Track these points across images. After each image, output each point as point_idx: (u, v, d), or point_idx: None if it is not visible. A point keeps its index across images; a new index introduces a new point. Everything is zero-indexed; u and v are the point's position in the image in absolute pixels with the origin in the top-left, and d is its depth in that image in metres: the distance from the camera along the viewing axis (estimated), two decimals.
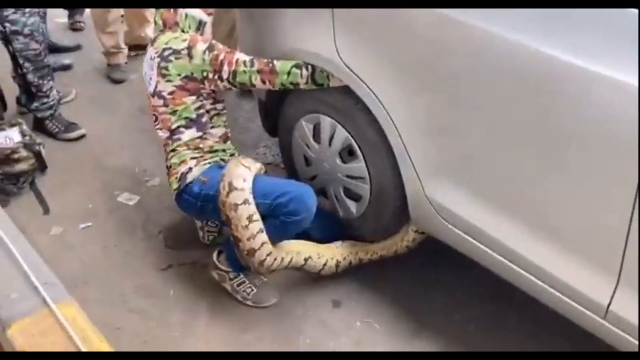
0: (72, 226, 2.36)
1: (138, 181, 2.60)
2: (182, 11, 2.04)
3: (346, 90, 1.92)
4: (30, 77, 2.73)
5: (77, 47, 3.64)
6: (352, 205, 2.10)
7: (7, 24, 2.59)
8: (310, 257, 2.00)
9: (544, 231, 1.58)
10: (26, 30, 2.63)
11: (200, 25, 2.07)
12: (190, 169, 2.02)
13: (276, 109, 2.28)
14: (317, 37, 1.94)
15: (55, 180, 2.60)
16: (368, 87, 1.84)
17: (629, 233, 1.39)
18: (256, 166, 1.99)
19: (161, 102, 2.02)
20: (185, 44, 1.97)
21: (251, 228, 1.86)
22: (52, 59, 3.24)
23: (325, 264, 2.03)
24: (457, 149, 1.73)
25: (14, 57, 2.71)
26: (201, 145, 2.05)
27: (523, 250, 1.64)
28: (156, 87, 2.01)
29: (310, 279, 2.11)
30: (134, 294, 2.09)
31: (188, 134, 2.04)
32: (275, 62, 1.97)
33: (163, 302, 2.06)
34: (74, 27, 3.89)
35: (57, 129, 2.86)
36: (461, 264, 1.91)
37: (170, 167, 2.08)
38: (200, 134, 2.05)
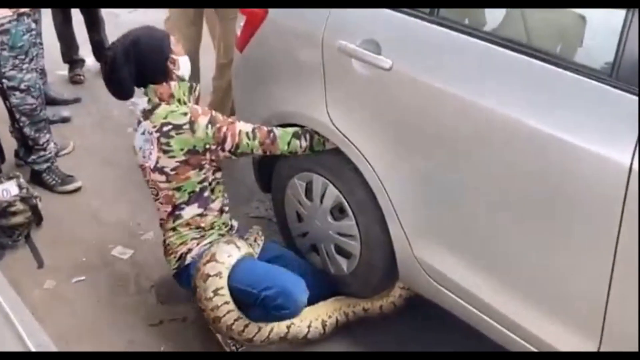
0: (65, 280, 2.38)
1: (132, 235, 2.63)
2: (174, 83, 1.98)
3: (338, 151, 1.99)
4: (26, 130, 2.79)
5: (76, 100, 3.72)
6: (343, 262, 2.14)
7: (4, 80, 2.67)
8: (292, 323, 1.99)
9: (527, 293, 1.62)
10: (22, 86, 2.70)
11: (192, 90, 2.04)
12: (190, 249, 2.03)
13: (269, 167, 2.34)
14: (311, 103, 2.02)
15: (50, 233, 2.64)
16: (358, 150, 1.90)
17: (609, 297, 1.43)
18: (248, 249, 2.02)
19: (164, 178, 1.97)
20: (186, 119, 1.91)
21: (215, 300, 1.90)
22: (51, 112, 3.33)
23: (309, 326, 2.02)
24: (444, 213, 1.78)
25: (10, 112, 2.78)
26: (202, 225, 2.05)
27: (509, 312, 1.67)
28: (157, 162, 1.95)
29: (300, 344, 2.09)
30: (125, 349, 2.10)
31: (189, 211, 2.02)
32: (275, 132, 2.01)
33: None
34: (74, 80, 3.99)
35: (53, 182, 2.91)
36: (451, 324, 1.93)
37: (169, 245, 2.08)
38: (201, 210, 2.04)
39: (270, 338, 1.96)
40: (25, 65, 2.68)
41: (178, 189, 1.99)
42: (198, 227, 2.05)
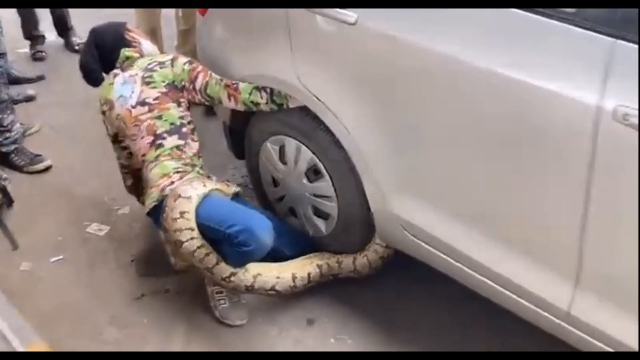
0: (42, 260, 2.35)
1: (108, 210, 2.60)
2: (141, 46, 2.31)
3: (308, 112, 1.96)
4: None
5: (40, 78, 3.62)
6: (321, 224, 2.14)
7: None
8: (259, 273, 2.01)
9: (502, 239, 1.63)
10: None
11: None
12: (172, 182, 2.04)
13: (241, 132, 2.31)
14: (276, 61, 1.98)
15: (23, 214, 2.58)
16: (328, 108, 1.88)
17: (583, 238, 1.44)
18: (222, 186, 2.08)
19: (146, 108, 2.13)
20: (169, 57, 2.22)
21: (180, 223, 1.93)
22: (15, 91, 3.24)
23: (278, 277, 2.03)
24: (417, 166, 1.77)
25: None
26: (184, 156, 2.10)
27: (485, 260, 1.68)
28: (139, 96, 2.14)
29: (284, 299, 2.12)
30: (108, 325, 2.09)
31: (170, 141, 2.10)
32: (239, 83, 2.09)
33: (138, 331, 2.06)
34: (36, 57, 3.88)
35: (22, 162, 2.84)
36: (431, 275, 1.94)
37: (151, 179, 2.08)
38: (182, 142, 2.12)
39: (231, 280, 1.97)
40: None
41: (159, 117, 2.12)
42: (180, 159, 2.09)
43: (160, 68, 2.18)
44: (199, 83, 2.15)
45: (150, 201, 2.07)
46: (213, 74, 2.15)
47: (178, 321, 2.09)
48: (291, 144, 2.08)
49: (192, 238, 1.93)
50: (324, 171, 2.02)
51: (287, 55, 1.95)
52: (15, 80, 3.34)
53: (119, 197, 2.64)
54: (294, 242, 2.15)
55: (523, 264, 1.60)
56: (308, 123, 1.99)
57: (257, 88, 2.06)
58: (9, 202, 2.59)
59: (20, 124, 2.90)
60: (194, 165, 2.12)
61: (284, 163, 2.14)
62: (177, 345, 2.01)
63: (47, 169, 2.86)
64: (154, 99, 2.14)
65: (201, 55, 2.40)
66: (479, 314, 2.03)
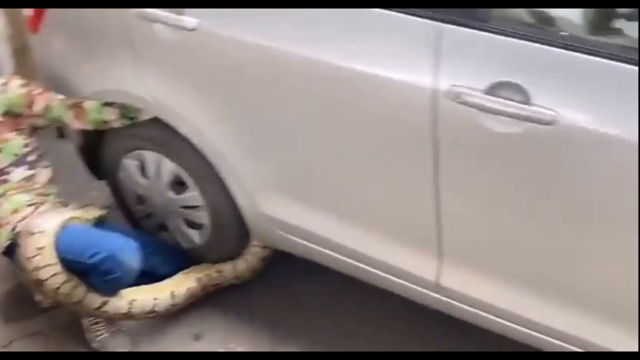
0: None
1: None
2: None
3: (162, 123, 1.90)
4: None
5: None
6: (195, 235, 2.08)
7: None
8: (134, 299, 1.91)
9: (368, 224, 1.69)
10: None
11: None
12: (24, 217, 1.88)
13: (96, 152, 2.19)
14: (121, 75, 1.90)
15: None
16: (182, 116, 1.83)
17: (440, 216, 1.52)
18: (78, 213, 1.94)
19: None
20: (2, 80, 2.01)
21: (36, 260, 1.78)
22: None
23: (155, 299, 1.95)
24: (279, 163, 1.78)
25: None
26: (35, 186, 1.97)
27: (356, 246, 1.73)
28: None
29: (167, 319, 2.04)
30: None
31: (18, 173, 1.95)
32: (85, 101, 1.97)
33: None
34: None
35: None
36: (314, 270, 1.96)
37: (2, 217, 1.91)
38: (31, 172, 1.98)
39: (105, 310, 1.87)
40: None
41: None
42: (30, 191, 1.95)
43: None
44: (38, 107, 1.98)
45: (4, 240, 1.91)
46: (53, 95, 2.00)
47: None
48: (151, 158, 2.01)
49: (54, 274, 1.79)
50: (189, 181, 1.97)
51: (131, 67, 1.87)
52: None
53: None
54: (167, 260, 2.08)
55: (391, 245, 1.66)
56: (165, 134, 1.92)
57: (106, 104, 1.95)
58: None
59: None
60: (47, 195, 1.98)
61: (147, 178, 2.06)
62: None
63: None
64: None
65: (42, 74, 2.24)
66: (361, 305, 2.07)
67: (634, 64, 1.20)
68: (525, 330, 1.54)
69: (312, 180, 1.75)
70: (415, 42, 1.40)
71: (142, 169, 2.06)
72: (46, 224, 1.83)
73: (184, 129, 1.85)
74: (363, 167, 1.61)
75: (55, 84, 2.12)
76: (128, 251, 1.83)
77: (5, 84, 2.00)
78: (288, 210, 1.82)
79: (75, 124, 2.01)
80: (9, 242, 1.89)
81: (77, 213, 1.96)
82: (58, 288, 1.80)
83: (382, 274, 1.72)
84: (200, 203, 1.99)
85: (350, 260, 1.77)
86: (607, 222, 1.32)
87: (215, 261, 2.11)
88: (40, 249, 1.79)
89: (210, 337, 2.02)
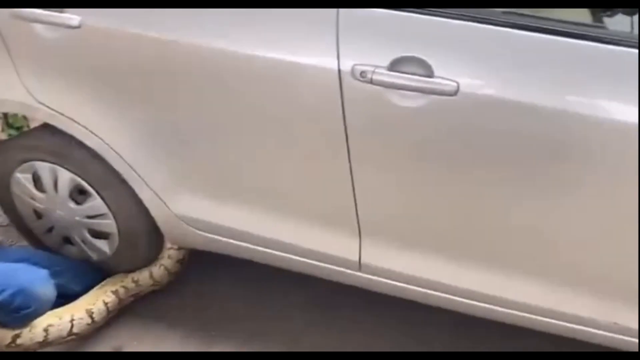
0: None
1: None
2: None
3: (54, 129, 1.77)
4: None
5: None
6: (103, 245, 1.97)
7: None
8: (49, 324, 1.78)
9: (283, 211, 1.67)
10: None
11: None
12: None
13: None
14: (3, 84, 1.74)
15: None
16: (74, 121, 1.72)
17: (355, 195, 1.52)
18: None
19: None
20: None
21: None
22: None
23: (72, 320, 1.83)
24: (184, 160, 1.72)
25: None
26: None
27: (273, 234, 1.71)
28: None
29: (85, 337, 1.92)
30: None
31: None
32: None
33: None
34: None
35: None
36: (233, 264, 1.92)
37: None
38: None
39: (18, 344, 1.74)
40: None
41: None
42: None
43: None
44: None
45: None
46: None
47: None
48: (45, 169, 1.87)
49: None
50: (90, 189, 1.85)
51: (10, 71, 1.72)
52: None
53: None
54: (77, 276, 1.95)
55: (311, 230, 1.65)
56: (58, 141, 1.80)
57: None
58: None
59: None
60: None
61: (43, 191, 1.92)
62: None
63: None
64: None
65: None
66: (287, 294, 2.06)
67: (527, 30, 1.25)
68: (447, 295, 1.59)
69: (223, 174, 1.70)
70: (315, 24, 1.38)
71: (37, 182, 1.91)
72: None
73: (78, 134, 1.74)
74: (274, 155, 1.58)
75: None
76: (39, 281, 1.70)
77: None
78: (200, 207, 1.76)
79: None
80: None
81: None
82: None
83: (305, 260, 1.71)
84: (104, 211, 1.88)
85: (270, 251, 1.75)
86: (512, 185, 1.37)
87: (130, 270, 2.01)
88: None
89: (133, 347, 1.93)
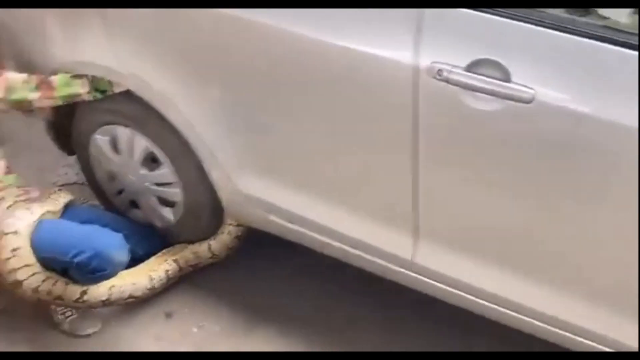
0: None
1: None
2: None
3: (136, 97, 1.85)
4: None
5: None
6: (168, 213, 2.05)
7: None
8: (113, 285, 1.88)
9: (344, 202, 1.68)
10: None
11: None
12: None
13: (66, 127, 2.13)
14: (91, 45, 1.84)
15: None
16: (159, 92, 1.79)
17: (418, 193, 1.52)
18: (48, 207, 1.86)
19: None
20: None
21: (13, 262, 1.74)
22: None
23: (134, 284, 1.93)
24: (258, 141, 1.76)
25: None
26: None
27: (335, 225, 1.73)
28: None
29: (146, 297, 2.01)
30: None
31: None
32: (52, 76, 1.86)
33: None
34: None
35: None
36: (290, 250, 1.95)
37: None
38: None
39: (85, 300, 1.85)
40: None
41: None
42: None
43: None
44: None
45: None
46: (14, 75, 1.86)
47: (19, 341, 1.91)
48: (123, 133, 1.96)
49: (32, 274, 1.76)
50: (162, 158, 1.93)
51: (102, 37, 1.81)
52: None
53: None
54: (144, 239, 2.04)
55: (367, 223, 1.66)
56: (138, 109, 1.88)
57: (75, 76, 1.86)
58: None
59: None
60: (5, 188, 1.89)
61: (118, 154, 2.02)
62: None
63: None
64: None
65: (3, 49, 2.16)
66: (341, 292, 2.07)
67: (612, 44, 1.22)
68: (501, 309, 1.55)
69: (290, 158, 1.73)
70: (397, 18, 1.39)
71: (114, 145, 2.01)
72: (19, 223, 1.76)
73: (158, 105, 1.81)
74: (341, 144, 1.60)
75: (19, 58, 2.06)
76: (116, 246, 1.79)
77: None
78: (264, 188, 1.80)
79: (44, 103, 1.88)
80: None
81: (47, 206, 1.88)
82: (38, 287, 1.77)
83: (358, 252, 1.72)
84: (173, 180, 1.96)
85: (326, 239, 1.77)
86: (586, 199, 1.33)
87: (189, 239, 2.08)
88: (15, 250, 1.74)
89: (184, 316, 2.01)
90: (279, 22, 1.53)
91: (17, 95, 1.83)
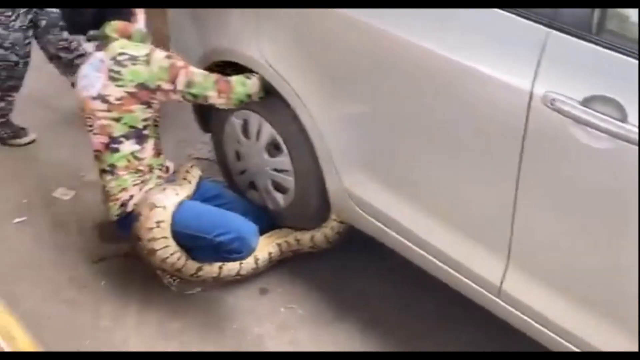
0: (5, 221, 2.39)
1: (74, 177, 2.64)
2: (136, 25, 2.04)
3: (270, 88, 2.02)
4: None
5: None
6: (280, 197, 2.20)
7: None
8: (223, 263, 2.06)
9: (442, 216, 1.71)
10: (7, 44, 2.64)
11: (146, 41, 2.05)
12: (132, 196, 2.03)
13: (208, 106, 2.35)
14: (244, 38, 2.03)
15: None
16: (289, 85, 1.94)
17: (514, 219, 1.52)
18: (187, 192, 2.07)
19: (105, 106, 1.94)
20: (144, 51, 1.93)
21: (155, 232, 1.96)
22: None
23: (241, 263, 2.09)
24: (372, 146, 1.84)
25: None
26: (140, 166, 2.03)
27: (431, 238, 1.76)
28: (101, 90, 1.93)
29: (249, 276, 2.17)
30: (66, 285, 2.15)
31: (127, 146, 1.99)
32: (230, 78, 1.99)
33: (95, 292, 2.13)
34: None
35: (5, 135, 2.86)
36: (387, 251, 2.00)
37: (108, 191, 2.06)
38: (138, 147, 2.01)
39: (199, 275, 2.05)
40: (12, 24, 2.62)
41: (117, 119, 1.95)
42: (137, 171, 2.03)
43: (132, 64, 1.90)
44: (180, 83, 1.92)
45: (113, 213, 2.07)
46: (196, 70, 1.97)
47: (135, 286, 2.16)
48: (254, 119, 2.14)
49: (166, 246, 1.98)
50: (283, 146, 2.08)
51: (252, 32, 2.00)
52: None
53: (86, 164, 2.66)
54: (256, 219, 2.17)
55: (460, 241, 1.68)
56: (271, 99, 2.05)
57: (248, 77, 1.99)
58: None
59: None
60: (151, 170, 2.07)
61: (247, 137, 2.20)
62: (132, 310, 2.07)
63: (30, 142, 2.87)
64: (117, 99, 1.92)
65: (172, 30, 2.43)
66: (425, 294, 2.11)
67: None
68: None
69: (397, 166, 1.80)
70: (520, 43, 1.41)
71: (245, 129, 2.20)
72: (167, 200, 1.99)
73: (290, 98, 1.96)
74: (448, 159, 1.64)
75: (180, 40, 2.31)
76: (253, 233, 1.99)
77: (149, 54, 1.93)
78: (369, 189, 1.88)
79: (219, 101, 1.99)
80: (117, 217, 2.07)
81: (187, 192, 2.08)
82: (166, 258, 1.99)
83: (448, 269, 1.74)
84: (289, 168, 2.10)
85: (418, 250, 1.80)
86: None
87: (294, 226, 2.22)
88: (159, 222, 1.97)
89: (276, 295, 2.15)
90: (409, 35, 1.60)
91: (196, 90, 1.95)
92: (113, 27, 2.00)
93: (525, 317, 1.60)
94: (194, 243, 2.00)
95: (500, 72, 1.43)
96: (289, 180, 2.13)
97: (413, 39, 1.58)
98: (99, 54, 1.98)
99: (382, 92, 1.74)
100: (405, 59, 1.62)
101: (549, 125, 1.36)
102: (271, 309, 2.09)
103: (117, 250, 2.28)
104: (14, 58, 2.69)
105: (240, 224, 1.99)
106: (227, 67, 2.12)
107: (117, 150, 2.00)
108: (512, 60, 1.42)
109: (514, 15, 1.42)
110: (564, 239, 1.46)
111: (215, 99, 1.97)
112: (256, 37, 1.98)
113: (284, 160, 2.10)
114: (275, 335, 2.00)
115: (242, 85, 1.98)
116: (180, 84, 1.93)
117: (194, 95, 1.97)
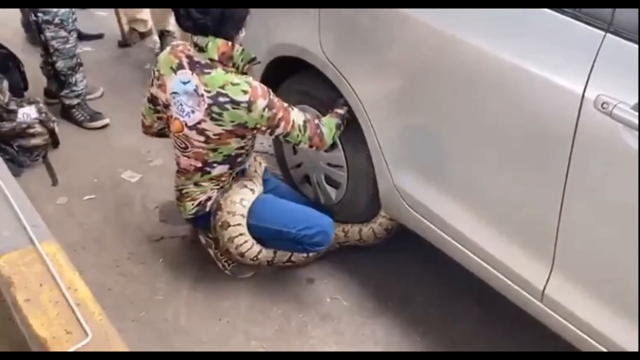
0: (76, 197, 2.57)
1: (142, 161, 2.80)
2: (237, 47, 1.90)
3: (329, 85, 2.09)
4: (59, 65, 2.89)
5: (99, 36, 3.87)
6: (332, 192, 2.27)
7: (39, 14, 2.78)
8: (277, 250, 2.14)
9: (491, 218, 1.72)
10: (57, 20, 2.81)
11: (252, 61, 1.96)
12: (210, 197, 2.10)
13: None
14: (304, 32, 2.11)
15: (65, 156, 2.82)
16: (348, 82, 2.00)
17: (560, 223, 1.52)
18: (260, 189, 2.17)
19: (202, 138, 1.94)
20: (246, 97, 1.85)
21: (237, 207, 2.05)
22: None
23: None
24: (424, 146, 1.87)
25: (45, 46, 2.87)
26: (223, 179, 2.10)
27: (478, 239, 1.77)
28: (199, 123, 1.91)
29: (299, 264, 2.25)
30: (126, 259, 2.28)
31: (219, 170, 2.05)
32: (322, 128, 2.01)
33: (152, 268, 2.25)
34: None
35: (82, 118, 3.04)
36: (434, 250, 2.02)
37: (186, 193, 2.11)
38: (230, 171, 2.09)
39: (258, 258, 2.13)
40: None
41: (214, 150, 1.99)
42: (219, 182, 2.10)
43: (233, 108, 1.85)
44: (279, 132, 1.96)
45: (187, 212, 2.14)
46: (296, 121, 1.97)
47: (189, 266, 2.27)
48: (311, 113, 2.21)
49: (238, 224, 2.08)
50: (337, 142, 2.14)
51: (314, 27, 2.07)
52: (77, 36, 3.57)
53: (154, 150, 2.84)
54: None
55: (505, 242, 1.69)
56: (328, 95, 2.12)
57: (337, 126, 2.04)
58: (55, 143, 2.82)
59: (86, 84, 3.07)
60: (232, 175, 2.14)
61: None
62: (184, 287, 2.18)
63: (104, 126, 3.04)
64: (215, 135, 1.92)
65: None
66: (468, 294, 2.13)
67: None
68: None
69: (446, 165, 1.82)
70: (575, 46, 1.42)
71: None
72: (246, 195, 2.10)
73: (347, 95, 2.03)
74: (497, 161, 1.65)
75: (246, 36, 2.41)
76: (332, 227, 2.10)
77: (250, 103, 1.85)
78: (417, 187, 1.91)
79: (311, 149, 2.07)
80: (191, 216, 2.15)
81: (259, 186, 2.18)
82: (235, 237, 2.08)
83: (492, 269, 1.75)
84: (342, 164, 2.16)
85: (463, 249, 1.82)
86: None
87: (344, 221, 2.28)
88: (243, 200, 2.07)
89: (322, 285, 2.21)
90: (465, 36, 1.63)
91: (290, 139, 2.00)
92: (217, 46, 1.87)
93: (567, 323, 1.60)
94: (276, 235, 2.07)
95: (553, 74, 1.43)
96: (341, 176, 2.19)
97: (469, 39, 1.61)
98: (194, 79, 1.88)
99: (436, 92, 1.77)
100: (459, 60, 1.65)
101: (599, 129, 1.36)
102: (317, 298, 2.15)
103: (175, 231, 2.41)
104: (63, 34, 2.83)
105: (321, 219, 2.08)
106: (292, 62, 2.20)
107: (208, 172, 2.06)
108: (566, 63, 1.43)
109: (570, 19, 1.43)
110: (609, 245, 1.45)
111: (306, 147, 2.06)
112: (317, 34, 2.06)
113: (338, 155, 2.17)
114: (318, 324, 2.06)
115: (333, 134, 2.04)
116: (277, 133, 1.98)
117: (287, 141, 2.05)
